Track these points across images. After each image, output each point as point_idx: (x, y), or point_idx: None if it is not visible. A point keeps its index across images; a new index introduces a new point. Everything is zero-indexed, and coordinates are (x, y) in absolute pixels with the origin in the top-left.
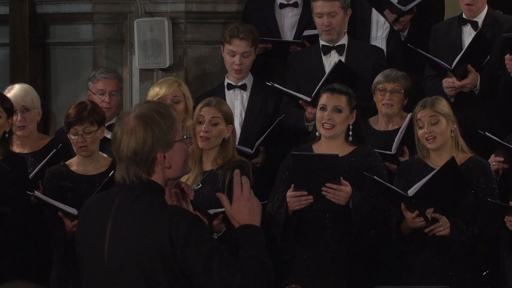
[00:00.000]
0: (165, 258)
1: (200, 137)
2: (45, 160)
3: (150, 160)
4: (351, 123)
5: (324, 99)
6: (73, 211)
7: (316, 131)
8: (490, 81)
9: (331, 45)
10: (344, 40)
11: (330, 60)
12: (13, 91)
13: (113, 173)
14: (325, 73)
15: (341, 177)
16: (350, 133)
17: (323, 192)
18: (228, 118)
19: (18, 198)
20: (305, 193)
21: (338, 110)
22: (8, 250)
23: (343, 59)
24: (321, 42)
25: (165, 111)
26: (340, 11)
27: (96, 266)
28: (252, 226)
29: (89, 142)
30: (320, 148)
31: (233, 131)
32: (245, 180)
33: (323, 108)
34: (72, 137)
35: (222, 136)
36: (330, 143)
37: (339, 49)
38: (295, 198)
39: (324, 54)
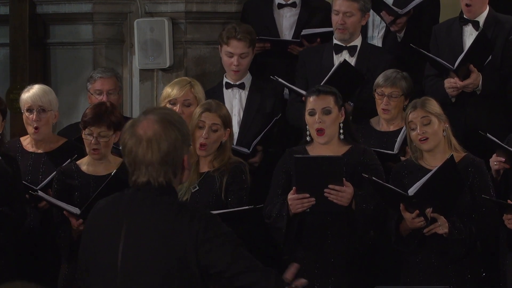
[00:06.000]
0: (184, 260)
1: (200, 144)
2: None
3: (179, 162)
4: (341, 122)
5: (311, 102)
6: (76, 210)
7: (307, 135)
8: (492, 81)
9: (344, 45)
10: (357, 42)
11: (340, 60)
12: (32, 90)
13: (116, 172)
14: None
15: (344, 178)
16: (341, 131)
17: (325, 194)
18: (227, 122)
19: (17, 198)
20: (307, 195)
21: (327, 111)
22: (8, 250)
23: (354, 60)
24: (334, 41)
25: (177, 114)
26: (357, 13)
27: (107, 269)
28: None
29: (102, 145)
30: (315, 149)
31: (231, 134)
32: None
33: (312, 113)
34: (88, 137)
35: (220, 140)
36: (324, 145)
37: (351, 50)
38: (298, 201)
39: (336, 53)
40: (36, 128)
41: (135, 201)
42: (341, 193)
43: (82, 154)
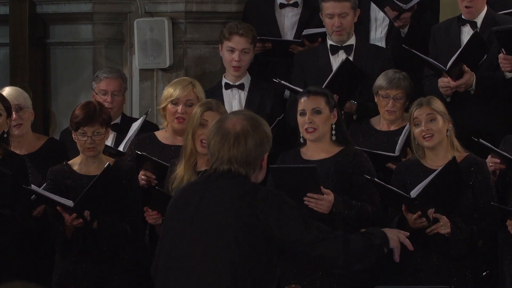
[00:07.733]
0: (254, 229)
1: (201, 140)
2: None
3: (260, 159)
4: (333, 123)
5: (301, 103)
6: (69, 203)
7: (300, 137)
8: (486, 81)
9: (339, 45)
10: (352, 41)
11: (338, 60)
12: (5, 92)
13: (109, 164)
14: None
15: (321, 187)
16: (333, 132)
17: (305, 202)
18: None
19: (18, 198)
20: None
21: (317, 111)
22: (7, 251)
23: (350, 59)
24: (329, 42)
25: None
26: (350, 12)
27: (179, 228)
28: None
29: (97, 143)
30: (308, 151)
31: None
32: None
33: (303, 113)
34: (80, 138)
35: None
36: (317, 146)
37: (347, 49)
38: None
39: (332, 54)
40: (18, 125)
41: (213, 179)
42: (320, 201)
43: (66, 150)
